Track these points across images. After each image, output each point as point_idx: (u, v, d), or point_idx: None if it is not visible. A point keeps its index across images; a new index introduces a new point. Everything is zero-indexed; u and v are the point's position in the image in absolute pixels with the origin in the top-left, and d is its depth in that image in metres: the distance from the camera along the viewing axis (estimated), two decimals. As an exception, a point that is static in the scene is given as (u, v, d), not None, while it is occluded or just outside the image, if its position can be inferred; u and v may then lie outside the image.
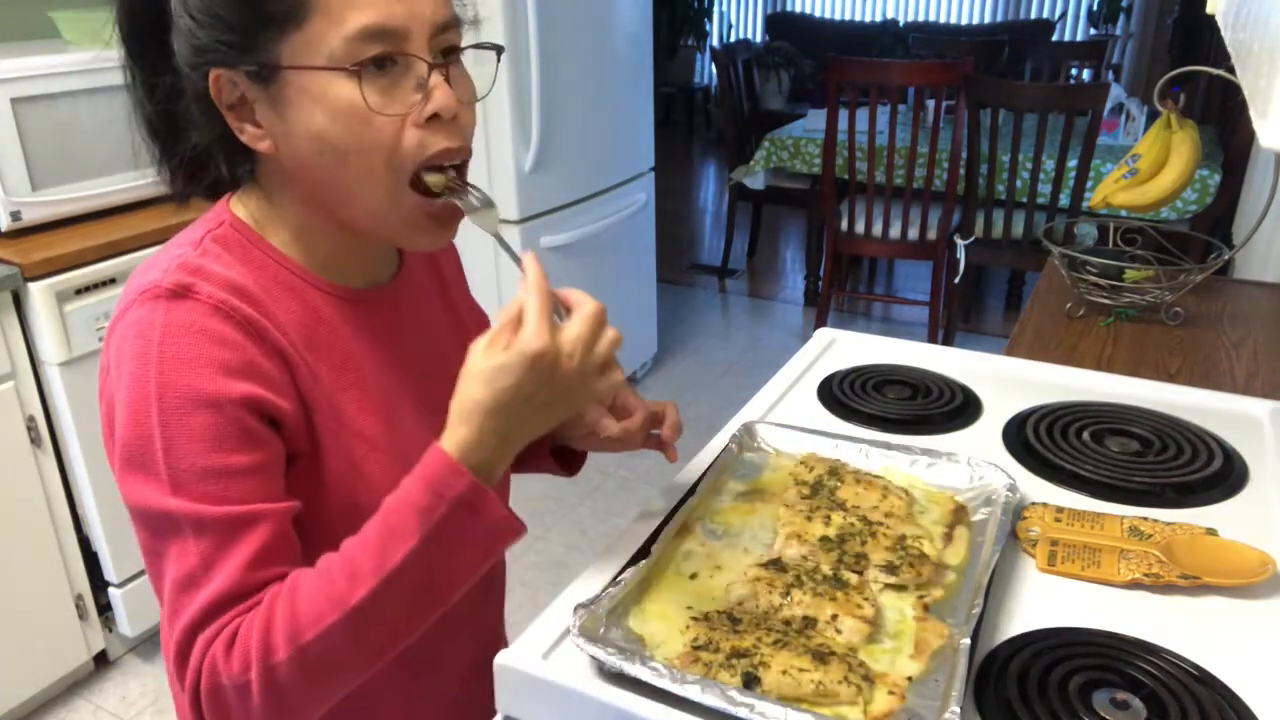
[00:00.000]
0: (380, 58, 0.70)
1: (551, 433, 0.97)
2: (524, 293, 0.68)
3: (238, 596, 0.68)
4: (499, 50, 0.81)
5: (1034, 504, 0.97)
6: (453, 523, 0.67)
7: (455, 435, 0.68)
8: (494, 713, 0.77)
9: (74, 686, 2.12)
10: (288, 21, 0.69)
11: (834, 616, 0.77)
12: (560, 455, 1.05)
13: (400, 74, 0.71)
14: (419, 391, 0.86)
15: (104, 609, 2.11)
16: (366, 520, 0.70)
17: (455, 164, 0.76)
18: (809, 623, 0.78)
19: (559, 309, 0.72)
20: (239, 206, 0.81)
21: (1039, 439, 1.09)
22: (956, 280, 3.48)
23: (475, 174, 3.07)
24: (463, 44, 0.76)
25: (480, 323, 1.03)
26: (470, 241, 1.02)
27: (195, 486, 0.68)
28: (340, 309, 0.81)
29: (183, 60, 0.73)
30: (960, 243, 2.91)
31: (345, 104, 0.70)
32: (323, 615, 0.66)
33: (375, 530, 0.68)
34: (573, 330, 0.69)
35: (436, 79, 0.72)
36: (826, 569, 0.84)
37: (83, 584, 2.05)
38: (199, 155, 0.78)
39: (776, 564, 0.85)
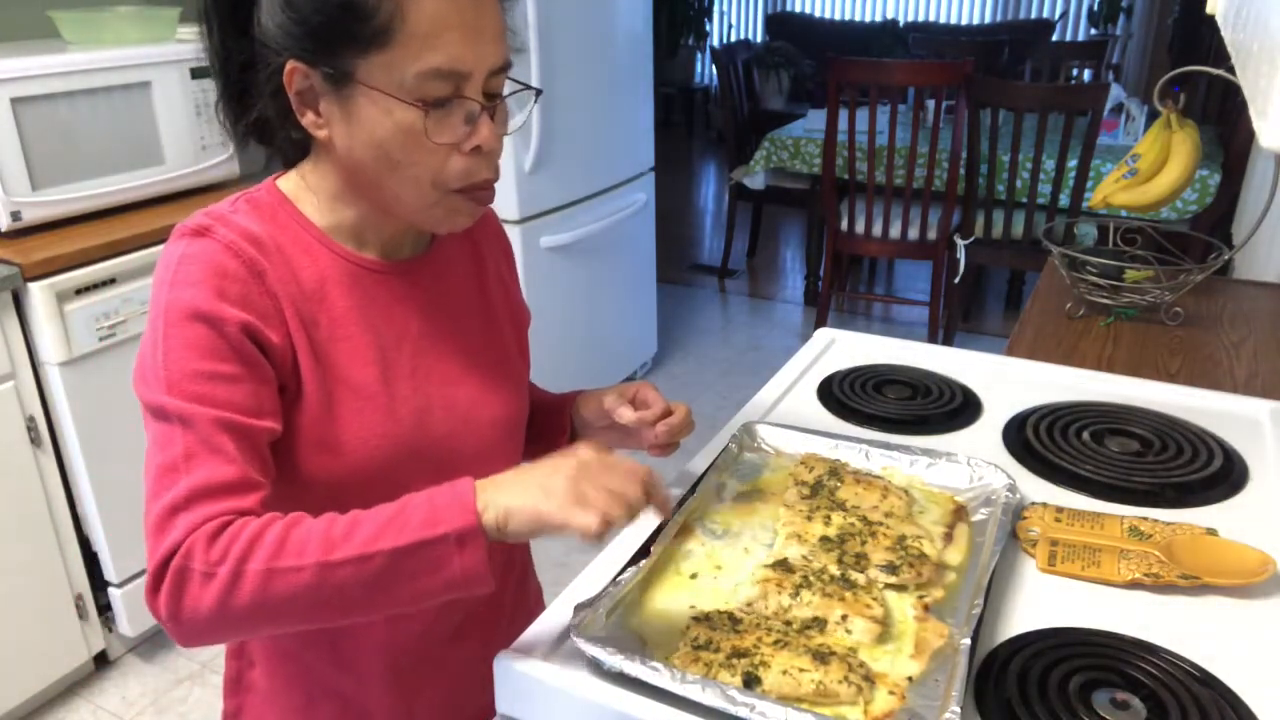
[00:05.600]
0: (443, 98, 0.79)
1: (570, 424, 1.05)
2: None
3: (216, 489, 0.74)
4: (537, 93, 0.91)
5: (1034, 504, 0.97)
6: (443, 546, 0.71)
7: (490, 484, 0.74)
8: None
9: (74, 686, 2.12)
10: (372, 44, 0.77)
11: (844, 617, 0.77)
12: None
13: (456, 107, 0.80)
14: (421, 356, 0.92)
15: (104, 609, 2.11)
16: (334, 455, 0.83)
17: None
18: (818, 623, 0.78)
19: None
20: (283, 180, 0.90)
21: (1039, 439, 1.09)
22: (956, 280, 3.48)
23: (475, 174, 2.93)
24: (505, 86, 0.85)
25: (514, 312, 1.05)
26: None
27: (186, 386, 0.76)
28: (352, 273, 0.88)
29: (268, 39, 0.80)
30: (960, 243, 2.90)
31: (406, 126, 0.79)
32: (304, 555, 0.71)
33: (389, 513, 0.73)
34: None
35: (484, 118, 0.81)
36: (834, 569, 0.84)
37: (83, 584, 2.05)
38: (264, 123, 0.85)
39: (784, 564, 0.85)
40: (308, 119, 0.82)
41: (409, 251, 0.94)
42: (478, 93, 0.80)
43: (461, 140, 0.81)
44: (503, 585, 1.03)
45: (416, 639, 0.96)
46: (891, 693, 0.71)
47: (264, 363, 0.80)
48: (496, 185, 0.87)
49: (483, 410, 0.95)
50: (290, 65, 0.79)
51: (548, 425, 1.07)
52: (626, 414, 0.96)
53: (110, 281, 1.94)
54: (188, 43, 2.21)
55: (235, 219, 0.84)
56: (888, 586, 0.83)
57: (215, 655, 2.21)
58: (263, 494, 0.77)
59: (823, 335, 1.41)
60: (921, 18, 7.69)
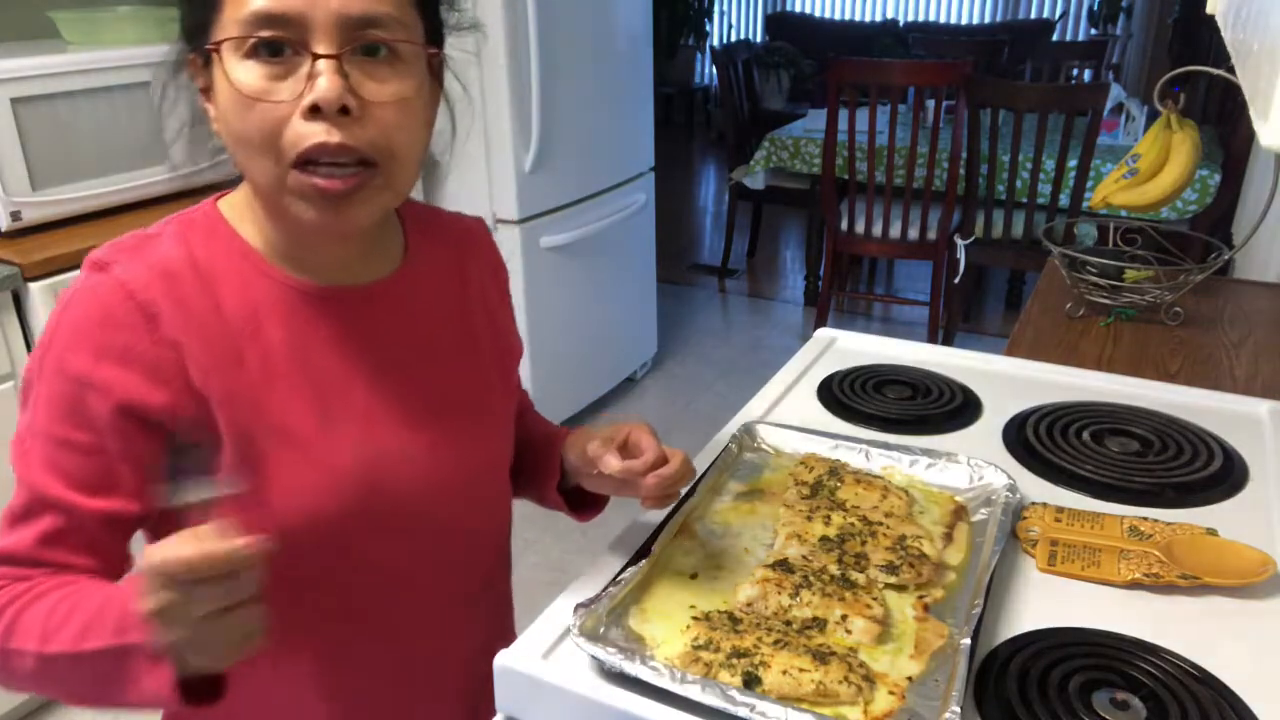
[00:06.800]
0: (270, 42, 0.69)
1: (560, 466, 0.95)
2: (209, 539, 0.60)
3: (13, 559, 0.74)
4: (431, 51, 0.77)
5: (1034, 504, 0.97)
6: (135, 658, 0.66)
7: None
8: (494, 712, 0.77)
9: (74, 686, 2.11)
10: (211, 3, 0.71)
11: (844, 617, 0.78)
12: (574, 499, 0.99)
13: (296, 64, 0.70)
14: (375, 397, 0.82)
15: (104, 609, 2.11)
16: (260, 512, 0.73)
17: (340, 161, 0.71)
18: (818, 623, 0.78)
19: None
20: (225, 199, 0.82)
21: (1039, 439, 1.09)
22: (956, 280, 3.48)
23: (475, 175, 3.03)
24: (386, 39, 0.72)
25: (500, 343, 0.96)
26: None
27: (39, 445, 0.74)
28: (289, 300, 0.79)
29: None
30: (960, 243, 2.90)
31: (235, 88, 0.70)
32: (27, 641, 0.70)
33: (96, 605, 0.70)
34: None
35: (323, 68, 0.68)
36: (834, 569, 0.84)
37: (83, 584, 2.04)
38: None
39: (784, 564, 0.84)
40: (210, 116, 0.76)
41: (368, 275, 0.83)
42: (328, 45, 0.69)
43: (298, 98, 0.69)
44: (473, 644, 0.94)
45: (361, 691, 0.88)
46: (891, 693, 0.71)
47: (133, 436, 0.73)
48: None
49: (449, 460, 0.85)
50: (190, 58, 0.75)
51: (536, 468, 0.97)
52: (612, 464, 0.84)
53: (110, 281, 1.94)
54: (188, 43, 2.20)
55: (152, 247, 0.76)
56: (888, 586, 0.83)
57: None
58: (49, 572, 0.73)
59: (823, 335, 1.41)
60: (921, 18, 7.69)
